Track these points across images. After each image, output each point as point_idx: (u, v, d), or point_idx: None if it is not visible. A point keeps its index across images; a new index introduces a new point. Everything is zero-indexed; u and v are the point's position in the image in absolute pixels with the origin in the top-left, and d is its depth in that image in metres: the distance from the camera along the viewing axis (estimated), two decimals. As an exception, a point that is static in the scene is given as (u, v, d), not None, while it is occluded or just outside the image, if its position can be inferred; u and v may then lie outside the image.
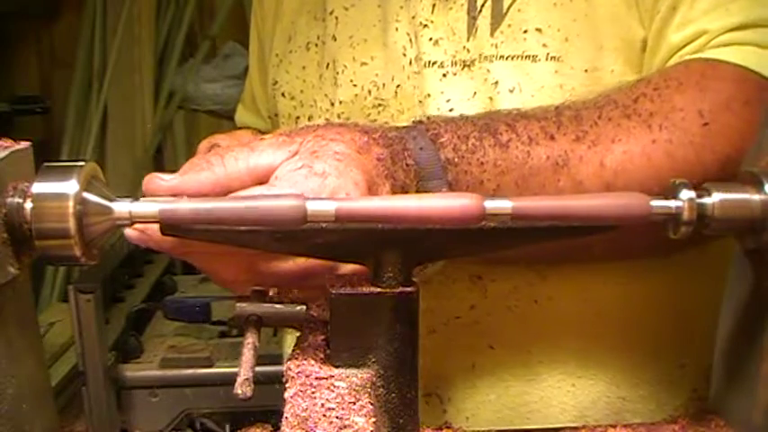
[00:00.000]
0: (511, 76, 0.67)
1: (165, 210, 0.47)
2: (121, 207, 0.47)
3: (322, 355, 0.50)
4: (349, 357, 0.49)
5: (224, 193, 0.52)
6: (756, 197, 0.49)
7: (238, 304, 0.53)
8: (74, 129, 2.92)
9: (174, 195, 0.50)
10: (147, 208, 0.47)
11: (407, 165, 0.56)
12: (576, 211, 0.49)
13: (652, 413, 0.72)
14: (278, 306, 0.54)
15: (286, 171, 0.52)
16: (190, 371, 1.68)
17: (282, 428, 0.44)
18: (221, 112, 3.02)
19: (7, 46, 2.97)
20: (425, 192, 0.57)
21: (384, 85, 0.73)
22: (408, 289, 0.49)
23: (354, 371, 0.49)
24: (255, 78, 0.98)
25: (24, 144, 0.48)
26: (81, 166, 0.47)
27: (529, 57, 0.67)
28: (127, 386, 1.67)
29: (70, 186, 0.45)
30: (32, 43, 3.05)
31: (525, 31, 0.67)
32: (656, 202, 0.49)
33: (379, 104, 0.73)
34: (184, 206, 0.47)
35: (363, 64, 0.74)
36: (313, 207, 0.47)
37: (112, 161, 2.90)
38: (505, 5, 0.68)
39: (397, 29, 0.72)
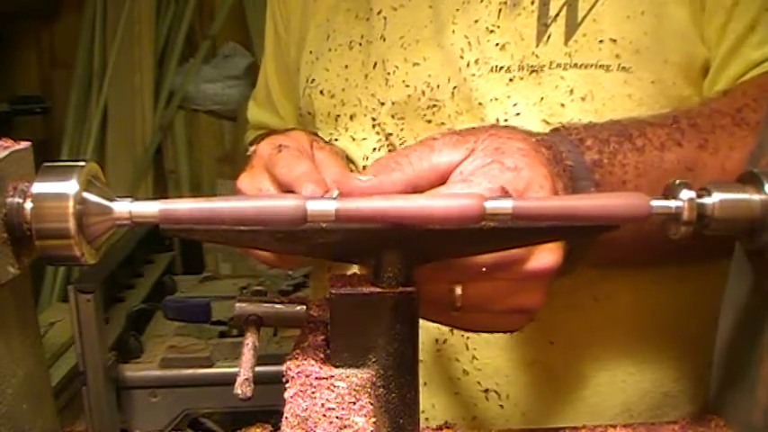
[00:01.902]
0: (583, 85, 0.69)
1: (165, 210, 0.47)
2: (121, 207, 0.47)
3: (322, 355, 0.50)
4: (349, 357, 0.49)
5: (413, 191, 0.53)
6: (756, 197, 0.49)
7: (238, 304, 0.54)
8: (74, 129, 2.92)
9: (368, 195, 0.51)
10: (147, 208, 0.47)
11: (566, 165, 0.58)
12: (576, 211, 0.49)
13: (685, 406, 0.74)
14: (278, 306, 0.54)
15: (474, 167, 0.53)
16: (190, 371, 1.68)
17: (282, 428, 0.44)
18: (221, 112, 3.02)
19: (7, 46, 2.97)
20: (578, 192, 0.58)
21: (439, 86, 0.73)
22: (408, 289, 0.49)
23: (354, 371, 0.49)
24: (272, 75, 0.98)
25: (24, 144, 0.48)
26: (81, 166, 0.47)
27: (602, 66, 0.69)
28: (127, 386, 1.67)
29: (70, 186, 0.45)
30: (32, 43, 3.06)
31: (601, 42, 0.69)
32: (657, 202, 0.49)
33: (434, 105, 0.74)
34: (184, 206, 0.47)
35: (416, 64, 0.75)
36: (313, 207, 0.47)
37: (112, 161, 2.90)
38: (580, 15, 0.69)
39: (453, 31, 0.73)
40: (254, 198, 0.49)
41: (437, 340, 0.75)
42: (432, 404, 0.76)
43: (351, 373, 0.49)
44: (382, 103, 0.77)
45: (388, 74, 0.76)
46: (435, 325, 0.69)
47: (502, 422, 0.74)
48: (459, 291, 0.53)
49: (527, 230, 0.49)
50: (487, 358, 0.73)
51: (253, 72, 3.01)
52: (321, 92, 0.81)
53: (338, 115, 0.80)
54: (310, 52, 0.84)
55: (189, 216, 0.47)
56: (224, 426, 1.96)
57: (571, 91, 0.69)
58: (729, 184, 0.50)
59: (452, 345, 0.74)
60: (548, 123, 0.69)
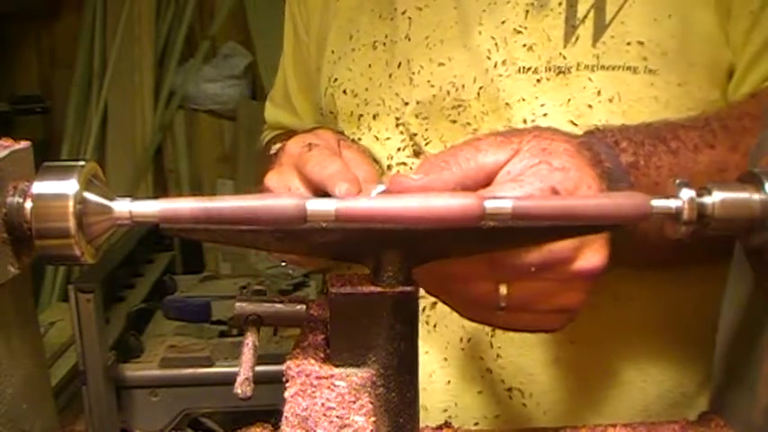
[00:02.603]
0: (611, 86, 0.69)
1: (165, 209, 0.47)
2: (121, 206, 0.47)
3: (322, 355, 0.50)
4: (349, 357, 0.49)
5: (461, 191, 0.53)
6: (756, 197, 0.49)
7: (238, 304, 0.54)
8: (74, 129, 2.92)
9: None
10: (147, 207, 0.47)
11: (606, 167, 0.58)
12: (577, 210, 0.49)
13: (703, 407, 0.75)
14: (278, 306, 0.54)
15: (522, 167, 0.53)
16: (190, 371, 1.68)
17: (282, 428, 0.44)
18: (221, 111, 3.03)
19: (7, 46, 2.97)
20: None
21: (464, 86, 0.74)
22: (408, 289, 0.49)
23: (354, 370, 0.49)
24: (291, 75, 0.98)
25: (24, 144, 0.48)
26: (81, 165, 0.47)
27: (630, 68, 0.69)
28: (127, 386, 1.67)
29: (70, 186, 0.45)
30: (32, 43, 3.06)
31: (628, 44, 0.69)
32: (657, 202, 0.49)
33: (459, 105, 0.74)
34: (185, 206, 0.47)
35: (441, 64, 0.75)
36: (313, 207, 0.47)
37: (112, 161, 2.90)
38: (608, 17, 0.70)
39: (480, 32, 0.73)
40: (254, 198, 0.49)
41: (461, 339, 0.75)
42: (455, 402, 0.76)
43: (351, 372, 0.49)
44: (406, 103, 0.77)
45: (413, 73, 0.76)
46: (460, 323, 0.69)
47: (524, 421, 0.75)
48: (504, 290, 0.53)
49: (527, 230, 0.49)
50: (511, 356, 0.74)
51: (252, 72, 3.01)
52: (344, 91, 0.82)
53: (361, 114, 0.80)
54: (332, 52, 0.84)
55: (189, 216, 0.47)
56: (224, 426, 1.96)
57: (598, 92, 0.69)
58: (729, 183, 0.50)
59: (476, 343, 0.75)
60: (574, 125, 0.69)
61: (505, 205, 0.48)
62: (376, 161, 0.78)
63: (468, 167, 0.54)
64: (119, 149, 2.90)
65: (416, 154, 0.77)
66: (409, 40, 0.77)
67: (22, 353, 0.48)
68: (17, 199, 0.46)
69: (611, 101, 0.69)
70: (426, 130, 0.76)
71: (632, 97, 0.69)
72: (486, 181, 0.54)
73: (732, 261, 0.56)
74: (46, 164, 0.47)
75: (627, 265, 0.66)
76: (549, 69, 0.70)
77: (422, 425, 0.63)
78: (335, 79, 0.82)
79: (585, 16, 0.70)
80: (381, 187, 0.60)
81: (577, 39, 0.70)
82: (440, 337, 0.76)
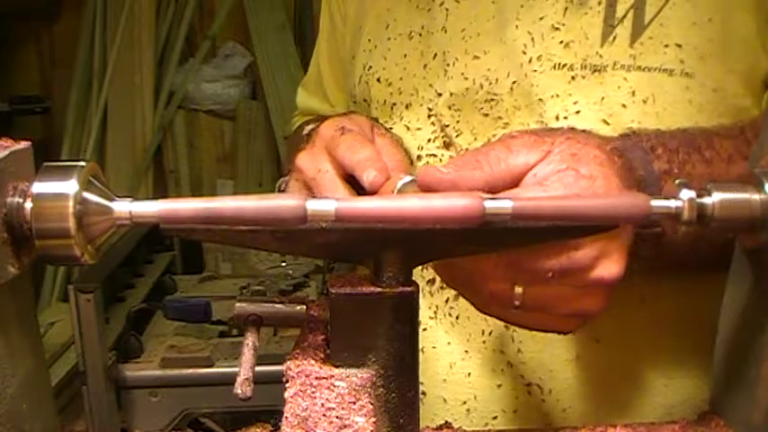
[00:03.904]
0: (646, 88, 0.69)
1: (165, 210, 0.47)
2: (121, 207, 0.47)
3: (322, 355, 0.50)
4: (349, 357, 0.49)
5: (489, 191, 0.53)
6: (756, 197, 0.49)
7: (238, 304, 0.53)
8: (74, 129, 2.92)
9: (447, 189, 0.52)
10: (147, 208, 0.47)
11: (638, 175, 0.58)
12: (577, 210, 0.49)
13: None
14: (278, 306, 0.54)
15: (549, 172, 0.53)
16: (190, 371, 1.69)
17: (282, 428, 0.44)
18: (221, 111, 3.03)
19: (7, 46, 2.97)
20: None
21: (497, 80, 0.73)
22: (408, 289, 0.49)
23: (354, 371, 0.49)
24: (325, 63, 0.99)
25: (24, 144, 0.48)
26: (81, 166, 0.47)
27: (666, 70, 0.68)
28: (127, 386, 1.67)
29: (70, 186, 0.45)
30: (32, 43, 3.06)
31: (666, 46, 0.69)
32: (657, 202, 0.49)
33: (492, 99, 0.74)
34: (185, 206, 0.47)
35: (476, 57, 0.75)
36: (313, 207, 0.47)
37: (112, 161, 2.90)
38: (647, 18, 0.69)
39: (517, 26, 0.73)
40: (254, 198, 0.49)
41: (483, 332, 0.75)
42: (474, 395, 0.77)
43: (351, 372, 0.49)
44: (439, 94, 0.77)
45: (448, 65, 0.76)
46: (483, 316, 0.70)
47: (542, 417, 0.75)
48: (519, 290, 0.53)
49: (527, 230, 0.49)
50: (532, 352, 0.74)
51: (252, 72, 3.01)
52: (378, 80, 0.82)
53: (394, 103, 0.81)
54: (369, 40, 0.84)
55: (189, 216, 0.47)
56: (224, 426, 1.96)
57: (633, 93, 0.69)
58: (729, 183, 0.50)
59: (498, 337, 0.75)
60: (606, 123, 0.69)
61: (505, 205, 0.48)
62: (406, 151, 0.78)
63: (498, 169, 0.54)
64: (119, 149, 2.91)
65: (446, 146, 0.77)
66: (445, 31, 0.77)
67: (22, 353, 0.48)
68: (17, 199, 0.46)
69: (645, 102, 0.69)
70: (458, 122, 0.76)
71: (667, 99, 0.69)
72: (513, 182, 0.54)
73: (732, 261, 0.56)
74: (46, 164, 0.47)
75: (655, 271, 0.66)
76: (585, 67, 0.70)
77: (438, 420, 0.64)
78: (370, 67, 0.83)
79: (624, 16, 0.70)
80: (408, 178, 0.60)
81: (615, 38, 0.69)
82: (462, 329, 0.76)
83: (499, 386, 0.76)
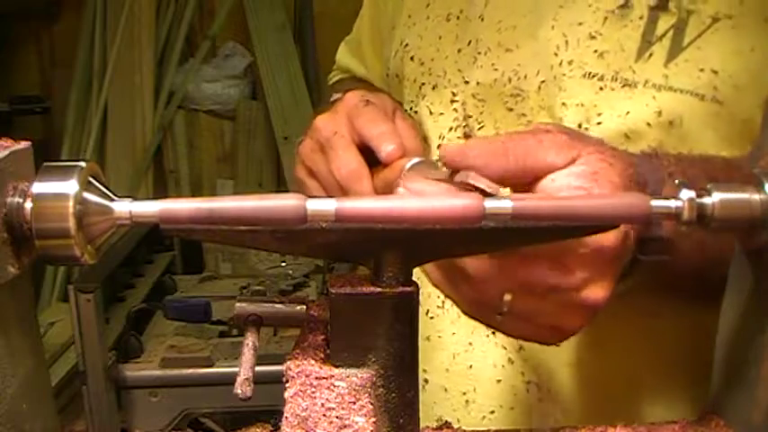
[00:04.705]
0: (674, 109, 0.68)
1: (165, 210, 0.47)
2: (121, 207, 0.47)
3: (322, 355, 0.50)
4: (349, 357, 0.49)
5: (507, 184, 0.53)
6: (756, 197, 0.49)
7: (238, 304, 0.53)
8: (74, 129, 2.92)
9: (467, 169, 0.51)
10: (147, 208, 0.47)
11: None
12: (577, 210, 0.49)
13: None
14: (278, 306, 0.54)
15: (564, 185, 0.53)
16: (190, 371, 1.69)
17: (282, 428, 0.44)
18: (221, 111, 3.03)
19: (7, 46, 2.98)
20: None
21: (526, 76, 0.73)
22: (408, 289, 0.49)
23: (354, 371, 0.49)
24: (366, 30, 0.99)
25: (24, 144, 0.48)
26: (81, 166, 0.47)
27: (697, 95, 0.67)
28: (127, 386, 1.67)
29: (70, 186, 0.45)
30: (32, 43, 3.06)
31: (701, 70, 0.67)
32: (657, 202, 0.49)
33: (518, 94, 0.73)
34: (185, 206, 0.47)
35: (508, 50, 0.74)
36: (313, 207, 0.47)
37: (112, 161, 2.90)
38: (686, 40, 0.68)
39: (552, 27, 0.72)
40: (254, 198, 0.49)
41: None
42: (474, 387, 0.77)
43: (351, 372, 0.49)
44: (467, 82, 0.76)
45: (479, 53, 0.76)
46: None
47: (540, 417, 0.75)
48: (508, 297, 0.53)
49: (527, 230, 0.49)
50: (534, 352, 0.74)
51: (252, 72, 3.01)
52: (412, 58, 0.82)
53: (423, 83, 0.81)
54: (409, 17, 0.84)
55: (189, 216, 0.47)
56: (224, 426, 1.96)
57: (660, 113, 0.68)
58: (729, 183, 0.50)
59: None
60: (628, 138, 0.68)
61: (505, 205, 0.48)
62: (426, 139, 0.79)
63: (523, 165, 0.53)
64: (119, 149, 2.91)
65: (467, 136, 0.77)
66: (482, 20, 0.76)
67: (22, 353, 0.48)
68: (17, 199, 0.46)
69: (670, 123, 0.68)
70: (481, 113, 0.76)
71: (693, 124, 0.67)
72: (531, 178, 0.54)
73: (732, 262, 0.56)
74: (46, 164, 0.47)
75: (661, 292, 0.66)
76: (616, 80, 0.69)
77: (438, 408, 0.64)
78: (406, 44, 0.83)
79: (664, 35, 0.68)
80: (417, 159, 0.61)
81: (651, 55, 0.68)
82: (467, 320, 0.76)
83: (499, 381, 0.76)
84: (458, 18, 0.79)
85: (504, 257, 0.53)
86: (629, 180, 0.55)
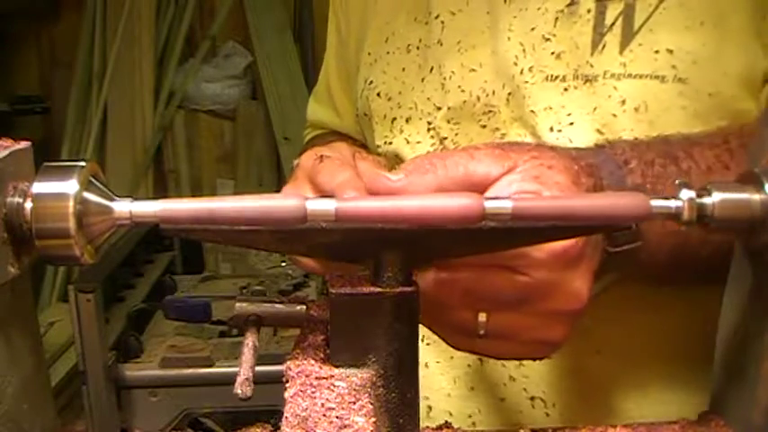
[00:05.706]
0: (637, 95, 0.67)
1: (165, 210, 0.47)
2: (122, 207, 0.47)
3: (322, 355, 0.50)
4: (349, 357, 0.49)
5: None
6: (756, 197, 0.49)
7: (238, 304, 0.53)
8: (74, 129, 2.93)
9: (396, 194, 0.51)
10: (147, 208, 0.47)
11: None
12: (576, 210, 0.49)
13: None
14: (278, 306, 0.54)
15: (507, 191, 0.52)
16: (190, 371, 1.69)
17: (282, 428, 0.44)
18: (221, 111, 3.03)
19: (7, 46, 2.98)
20: None
21: (494, 92, 0.73)
22: (408, 289, 0.49)
23: (354, 371, 0.49)
24: (333, 73, 0.98)
25: (24, 144, 0.48)
26: (81, 165, 0.47)
27: (658, 77, 0.67)
28: (127, 386, 1.67)
29: (70, 186, 0.45)
30: (32, 43, 3.06)
31: (657, 52, 0.67)
32: (656, 202, 0.49)
33: (490, 111, 0.73)
34: (185, 206, 0.47)
35: (472, 70, 0.74)
36: (313, 207, 0.47)
37: (112, 161, 2.91)
38: (637, 24, 0.68)
39: (509, 38, 0.72)
40: (254, 198, 0.49)
41: None
42: (478, 409, 0.76)
43: (351, 372, 0.49)
44: (438, 108, 0.76)
45: (445, 79, 0.76)
46: None
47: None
48: (483, 318, 0.53)
49: (527, 230, 0.49)
50: (534, 365, 0.73)
51: (252, 72, 3.01)
52: (378, 94, 0.82)
53: (394, 118, 0.80)
54: (369, 54, 0.84)
55: (189, 216, 0.47)
56: (224, 426, 1.96)
57: (623, 101, 0.68)
58: (729, 183, 0.50)
59: None
60: (601, 133, 0.68)
61: (505, 205, 0.48)
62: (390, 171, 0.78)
63: (455, 173, 0.52)
64: (119, 149, 2.91)
65: None
66: (441, 44, 0.76)
67: (21, 353, 0.48)
68: (17, 199, 0.46)
69: (636, 110, 0.67)
70: (456, 134, 0.76)
71: (660, 107, 0.67)
72: (469, 189, 0.52)
73: (732, 262, 0.56)
74: (46, 164, 0.47)
75: (647, 281, 0.65)
76: (577, 78, 0.69)
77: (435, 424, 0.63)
78: (371, 82, 0.83)
79: (613, 23, 0.68)
80: None
81: (604, 46, 0.68)
82: None
83: (502, 400, 0.75)
84: (417, 48, 0.79)
85: (451, 271, 0.52)
86: (577, 176, 0.54)
